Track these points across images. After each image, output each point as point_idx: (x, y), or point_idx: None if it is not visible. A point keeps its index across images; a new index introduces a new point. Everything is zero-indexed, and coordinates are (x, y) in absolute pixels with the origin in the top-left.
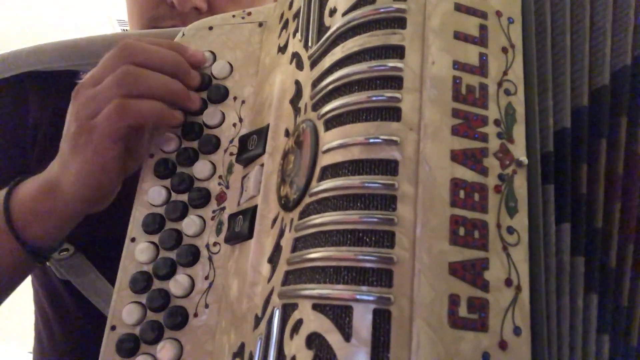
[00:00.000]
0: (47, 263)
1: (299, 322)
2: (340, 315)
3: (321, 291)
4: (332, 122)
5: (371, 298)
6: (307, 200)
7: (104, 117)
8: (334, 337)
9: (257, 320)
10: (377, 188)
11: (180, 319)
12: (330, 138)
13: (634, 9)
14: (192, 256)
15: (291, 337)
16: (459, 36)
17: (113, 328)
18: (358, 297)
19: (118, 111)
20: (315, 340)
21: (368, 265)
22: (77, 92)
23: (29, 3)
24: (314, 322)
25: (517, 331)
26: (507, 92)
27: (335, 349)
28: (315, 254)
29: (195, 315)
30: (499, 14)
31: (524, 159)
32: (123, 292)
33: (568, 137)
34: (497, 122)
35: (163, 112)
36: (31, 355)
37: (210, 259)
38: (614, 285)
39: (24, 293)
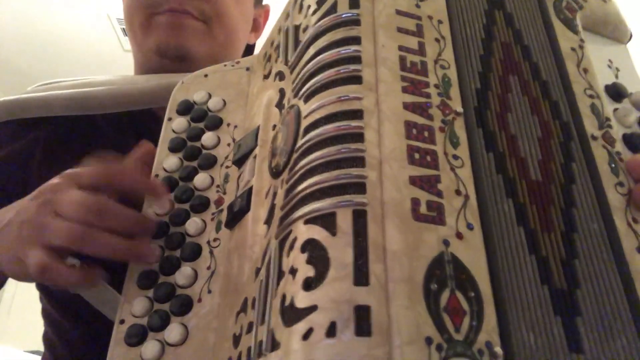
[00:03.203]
0: None
1: (294, 240)
2: (327, 221)
3: (310, 207)
4: (310, 95)
5: (350, 202)
6: (294, 156)
7: (56, 229)
8: (322, 235)
9: (257, 271)
10: (348, 128)
11: (185, 305)
12: (309, 105)
13: None
14: (195, 252)
15: (288, 255)
16: (401, 30)
17: (122, 322)
18: (340, 203)
19: (77, 236)
20: (308, 245)
21: (346, 181)
22: (63, 176)
23: (27, 0)
24: (306, 232)
25: (470, 226)
26: (442, 67)
27: (324, 244)
28: (303, 184)
29: (199, 300)
30: (430, 17)
31: (460, 108)
32: (131, 290)
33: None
34: (436, 86)
35: (122, 253)
36: (28, 355)
37: (211, 252)
38: None
39: (22, 294)
